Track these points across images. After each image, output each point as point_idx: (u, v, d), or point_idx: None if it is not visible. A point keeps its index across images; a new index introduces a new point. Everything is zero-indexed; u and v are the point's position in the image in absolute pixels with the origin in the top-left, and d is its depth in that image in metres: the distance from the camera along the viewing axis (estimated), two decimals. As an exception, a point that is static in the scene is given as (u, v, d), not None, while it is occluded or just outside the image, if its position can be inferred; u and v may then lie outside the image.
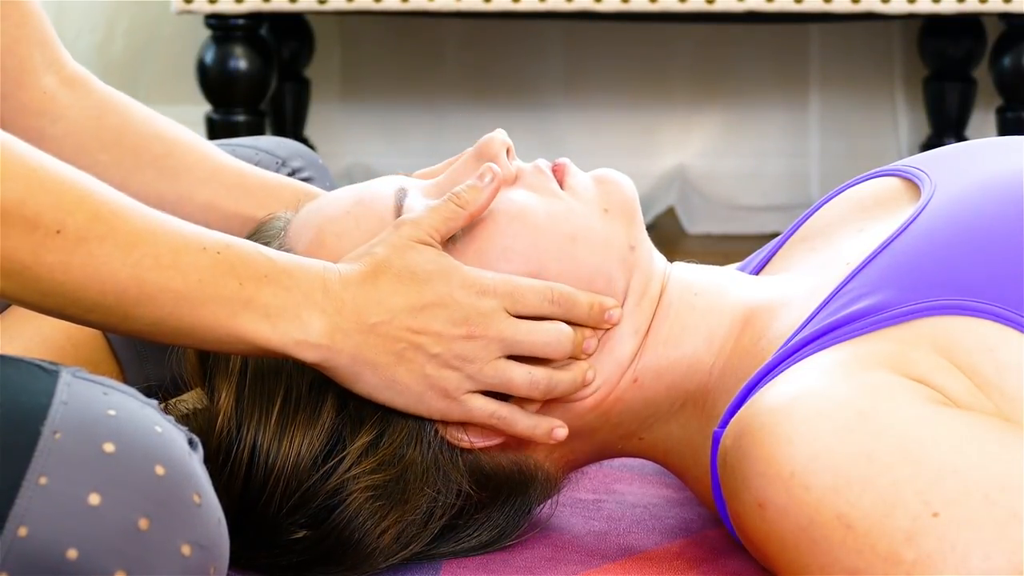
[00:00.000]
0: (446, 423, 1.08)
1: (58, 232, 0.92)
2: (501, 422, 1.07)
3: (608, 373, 1.11)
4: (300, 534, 1.07)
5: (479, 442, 1.09)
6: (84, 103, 1.27)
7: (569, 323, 1.08)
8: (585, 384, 1.09)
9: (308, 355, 1.01)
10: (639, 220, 1.13)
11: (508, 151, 1.13)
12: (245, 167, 1.31)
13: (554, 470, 1.14)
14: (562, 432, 1.09)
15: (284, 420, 1.06)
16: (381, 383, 1.03)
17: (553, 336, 1.06)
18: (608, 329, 1.10)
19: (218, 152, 1.31)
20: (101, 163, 1.25)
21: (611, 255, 1.11)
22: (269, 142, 1.46)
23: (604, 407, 1.12)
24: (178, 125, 1.32)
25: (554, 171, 1.13)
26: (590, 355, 1.10)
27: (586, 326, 1.09)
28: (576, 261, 1.09)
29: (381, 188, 1.12)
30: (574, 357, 1.09)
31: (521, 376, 1.06)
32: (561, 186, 1.13)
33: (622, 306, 1.11)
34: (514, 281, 1.06)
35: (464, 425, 1.08)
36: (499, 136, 1.13)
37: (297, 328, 1.00)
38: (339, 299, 1.01)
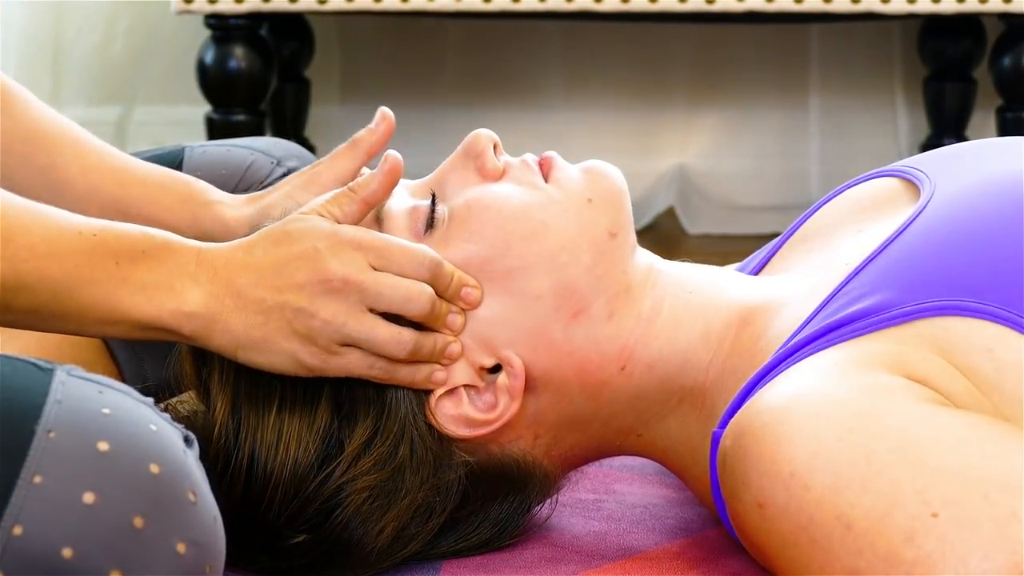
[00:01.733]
0: (431, 413, 1.08)
1: None
2: (382, 372, 1.06)
3: (576, 348, 1.11)
4: (300, 538, 1.07)
5: (465, 431, 1.09)
6: None
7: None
8: (450, 356, 1.09)
9: (184, 326, 1.02)
10: (626, 211, 1.13)
11: (495, 146, 1.13)
12: (128, 174, 1.29)
13: (552, 467, 1.14)
14: (440, 375, 1.08)
15: (280, 427, 1.07)
16: (256, 346, 1.03)
17: (414, 292, 1.05)
18: (466, 308, 1.09)
19: (101, 158, 1.29)
20: None
21: (583, 236, 1.11)
22: (265, 142, 1.46)
23: (592, 389, 1.11)
24: (62, 124, 1.30)
25: (540, 165, 1.14)
26: (456, 331, 1.09)
27: (444, 298, 1.08)
28: (543, 239, 1.10)
29: None
30: (436, 327, 1.08)
31: (388, 331, 1.05)
32: (546, 179, 1.13)
33: (586, 285, 1.10)
34: (384, 238, 1.06)
35: (447, 414, 1.08)
36: (485, 132, 1.13)
37: (172, 299, 1.01)
38: (211, 266, 1.03)
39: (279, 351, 1.04)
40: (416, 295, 1.05)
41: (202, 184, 1.31)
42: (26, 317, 1.00)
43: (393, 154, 1.09)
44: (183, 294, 1.02)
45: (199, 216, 1.27)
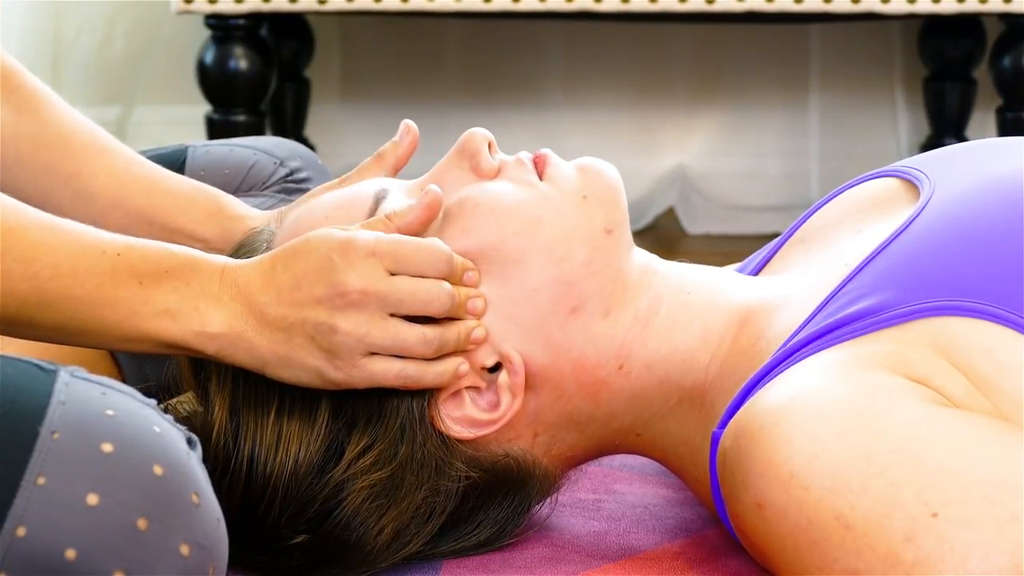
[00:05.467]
0: (435, 415, 1.08)
1: None
2: (410, 379, 1.06)
3: (575, 346, 1.10)
4: (300, 538, 1.07)
5: (467, 433, 1.09)
6: (5, 104, 1.26)
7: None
8: (474, 341, 1.08)
9: (208, 347, 1.02)
10: (622, 208, 1.13)
11: (490, 145, 1.14)
12: (156, 183, 1.29)
13: (552, 467, 1.14)
14: (464, 367, 1.07)
15: (279, 429, 1.07)
16: (280, 362, 1.03)
17: (435, 292, 1.05)
18: (470, 288, 1.09)
19: (128, 166, 1.29)
20: (20, 179, 1.26)
21: (578, 231, 1.11)
22: (267, 142, 1.46)
23: (591, 389, 1.11)
24: (91, 131, 1.30)
25: (535, 162, 1.14)
26: (479, 315, 1.09)
27: (453, 282, 1.08)
28: (537, 233, 1.09)
29: (362, 191, 1.13)
30: (457, 317, 1.08)
31: (414, 335, 1.05)
32: (541, 177, 1.13)
33: (585, 281, 1.10)
34: (398, 240, 1.05)
35: (451, 416, 1.08)
36: (479, 131, 1.13)
37: (196, 320, 1.01)
38: (233, 286, 1.03)
39: (304, 367, 1.04)
40: (436, 295, 1.05)
41: (230, 198, 1.31)
42: (50, 333, 1.01)
43: (434, 189, 1.09)
44: (206, 315, 1.02)
45: (228, 229, 1.27)
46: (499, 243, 1.09)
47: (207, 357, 1.04)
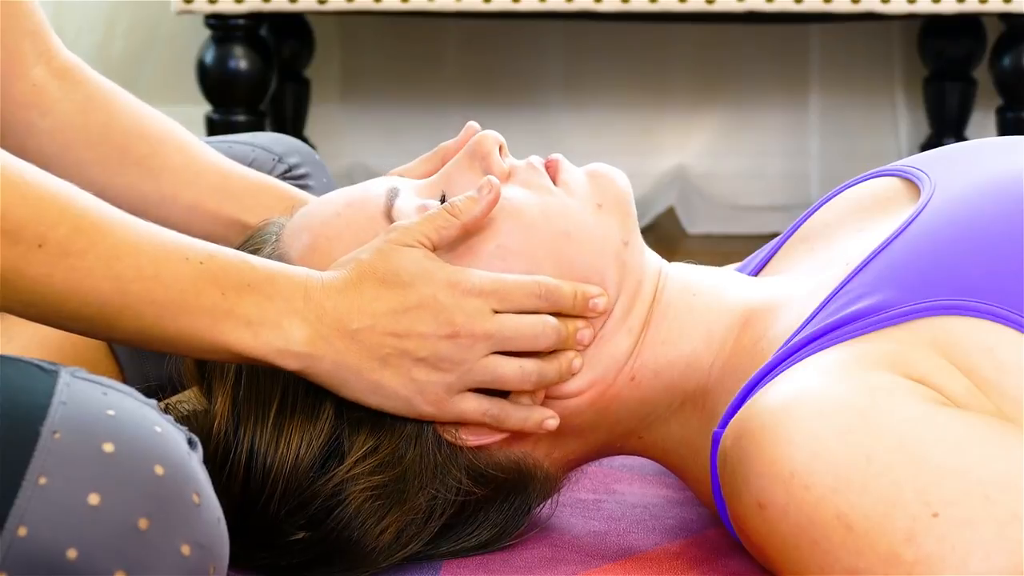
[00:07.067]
0: (443, 423, 1.08)
1: (40, 246, 0.93)
2: (494, 420, 1.07)
3: (604, 368, 1.11)
4: (300, 535, 1.07)
5: (474, 440, 1.09)
6: (73, 96, 1.26)
7: (557, 315, 1.08)
8: (572, 372, 1.09)
9: (290, 363, 1.01)
10: (633, 215, 1.13)
11: (501, 148, 1.13)
12: (230, 168, 1.30)
13: (554, 469, 1.14)
14: (553, 423, 1.08)
15: (281, 423, 1.06)
16: (367, 388, 1.03)
17: (539, 328, 1.06)
18: (595, 317, 1.09)
19: (203, 151, 1.30)
20: (86, 161, 1.25)
21: (606, 251, 1.11)
22: (266, 138, 1.46)
23: (602, 404, 1.12)
24: (165, 120, 1.31)
25: (547, 167, 1.14)
26: (586, 345, 1.09)
27: (572, 316, 1.09)
28: (570, 259, 1.09)
29: (372, 189, 1.12)
30: (567, 348, 1.09)
31: (512, 370, 1.06)
32: (554, 182, 1.13)
33: (615, 302, 1.11)
34: (501, 279, 1.06)
35: (459, 425, 1.08)
36: (491, 133, 1.13)
37: (278, 336, 1.00)
38: (320, 306, 1.02)
39: (394, 395, 1.04)
40: (541, 330, 1.06)
41: (299, 191, 1.32)
42: (129, 338, 0.99)
43: (495, 181, 1.08)
44: (290, 332, 1.01)
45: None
46: (533, 269, 1.08)
47: (286, 371, 1.03)
